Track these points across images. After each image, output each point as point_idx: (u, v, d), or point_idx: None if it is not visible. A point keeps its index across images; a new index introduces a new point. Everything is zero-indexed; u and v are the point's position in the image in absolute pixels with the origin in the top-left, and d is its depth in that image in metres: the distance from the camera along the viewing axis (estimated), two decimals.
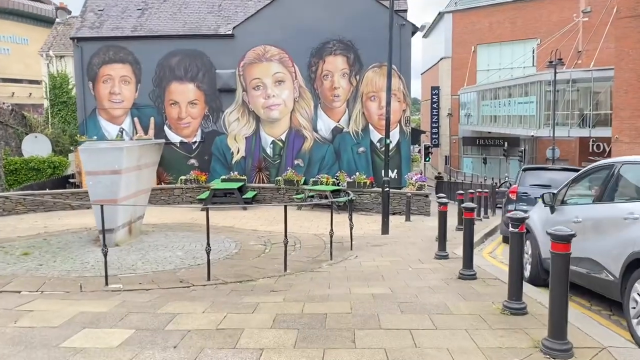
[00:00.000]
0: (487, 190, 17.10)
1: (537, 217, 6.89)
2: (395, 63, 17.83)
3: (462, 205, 6.56)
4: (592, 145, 36.96)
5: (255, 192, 19.10)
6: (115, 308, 5.16)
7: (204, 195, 17.95)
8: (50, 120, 27.43)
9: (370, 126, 20.65)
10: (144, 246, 10.31)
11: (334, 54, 20.60)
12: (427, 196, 17.42)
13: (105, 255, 6.46)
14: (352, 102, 20.67)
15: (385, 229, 11.94)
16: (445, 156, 51.80)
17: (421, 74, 61.49)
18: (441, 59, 52.80)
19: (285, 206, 7.40)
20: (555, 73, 29.57)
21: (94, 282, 6.77)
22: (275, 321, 4.67)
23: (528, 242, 6.86)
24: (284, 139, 21.05)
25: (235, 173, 19.98)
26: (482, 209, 16.28)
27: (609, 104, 34.37)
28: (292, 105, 20.90)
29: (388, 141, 12.19)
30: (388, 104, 12.17)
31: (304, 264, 8.25)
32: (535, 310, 4.91)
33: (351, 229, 9.78)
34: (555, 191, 6.31)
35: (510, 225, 4.77)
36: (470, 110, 46.54)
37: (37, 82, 30.84)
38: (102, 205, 6.77)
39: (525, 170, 10.89)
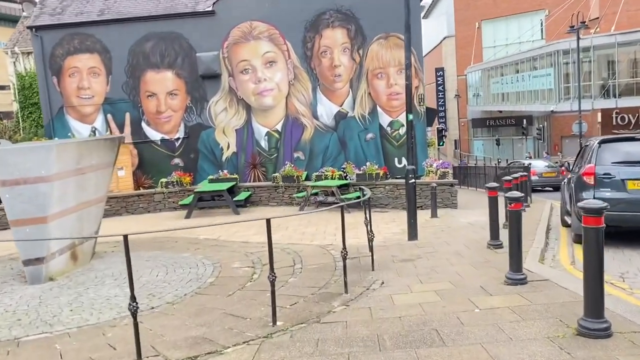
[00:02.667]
0: (525, 174, 14.23)
1: None
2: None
3: (581, 205, 3.63)
4: (616, 117, 34.17)
5: (250, 192, 16.27)
6: None
7: (186, 201, 15.08)
8: (21, 124, 24.58)
9: (379, 108, 17.67)
10: (88, 279, 7.50)
11: (332, 27, 17.62)
12: (452, 185, 14.59)
13: None
14: (356, 81, 17.69)
15: (413, 233, 9.06)
16: (455, 140, 48.92)
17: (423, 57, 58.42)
18: (444, 38, 49.88)
19: (268, 220, 4.57)
20: (579, 39, 26.52)
21: None
22: None
23: None
24: (280, 129, 18.12)
25: (225, 172, 17.11)
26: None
27: (631, 72, 31.53)
28: (287, 90, 17.95)
29: (410, 117, 9.30)
30: (408, 67, 9.32)
31: (306, 304, 5.39)
32: None
33: (371, 241, 6.90)
34: None
35: None
36: (479, 90, 43.78)
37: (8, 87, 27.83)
38: None
39: (602, 143, 7.96)
